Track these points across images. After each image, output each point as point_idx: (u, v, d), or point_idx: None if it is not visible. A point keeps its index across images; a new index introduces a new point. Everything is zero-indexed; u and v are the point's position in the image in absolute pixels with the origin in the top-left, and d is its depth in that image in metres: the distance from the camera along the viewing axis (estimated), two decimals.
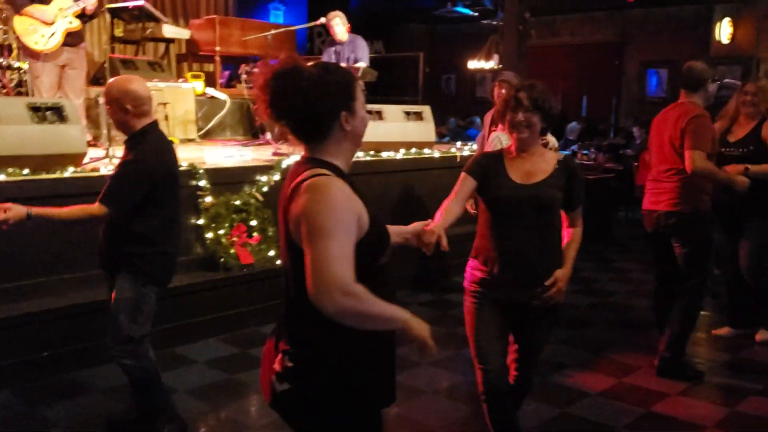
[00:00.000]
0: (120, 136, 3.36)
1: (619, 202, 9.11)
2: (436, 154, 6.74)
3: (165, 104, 6.74)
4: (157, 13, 8.27)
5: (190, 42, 9.07)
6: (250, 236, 5.14)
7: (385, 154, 6.35)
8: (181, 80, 7.81)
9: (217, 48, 8.57)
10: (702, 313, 4.69)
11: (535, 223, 2.82)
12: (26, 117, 4.43)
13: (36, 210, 2.90)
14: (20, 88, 6.80)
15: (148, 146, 3.14)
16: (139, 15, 8.16)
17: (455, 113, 12.79)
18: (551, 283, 2.82)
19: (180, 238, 3.47)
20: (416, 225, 2.43)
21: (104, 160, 5.08)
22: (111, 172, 3.27)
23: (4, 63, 6.88)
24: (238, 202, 5.13)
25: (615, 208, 9.09)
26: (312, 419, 1.93)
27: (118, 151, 3.98)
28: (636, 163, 8.92)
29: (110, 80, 3.26)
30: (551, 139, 4.60)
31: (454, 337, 4.67)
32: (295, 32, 9.51)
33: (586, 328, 5.21)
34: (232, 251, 4.99)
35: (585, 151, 9.53)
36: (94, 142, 6.08)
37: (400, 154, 6.44)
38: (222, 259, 4.94)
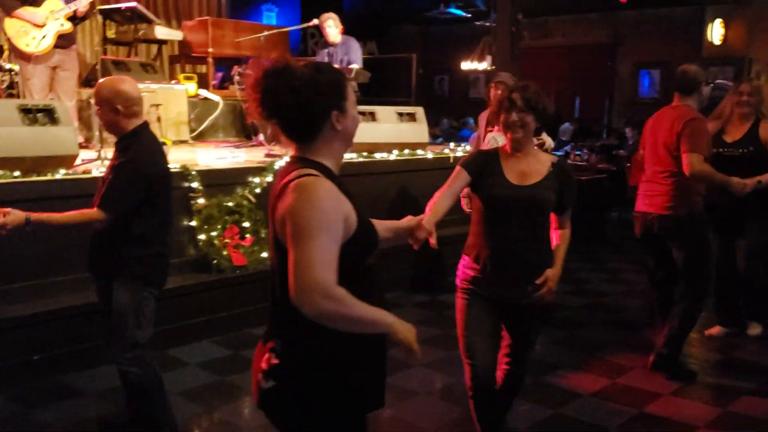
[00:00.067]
0: (112, 138, 3.34)
1: (612, 202, 9.12)
2: (430, 155, 6.74)
3: (157, 106, 6.69)
4: (150, 15, 8.24)
5: (182, 43, 9.03)
6: (242, 238, 5.13)
7: (378, 155, 6.34)
8: (173, 82, 7.77)
9: (210, 49, 8.55)
10: None
11: (527, 224, 2.86)
12: (17, 119, 4.40)
13: (35, 215, 2.89)
14: (11, 90, 6.75)
15: (142, 147, 3.12)
16: (132, 16, 8.11)
17: (448, 114, 12.82)
18: (542, 282, 2.86)
19: (172, 239, 3.46)
20: (409, 221, 2.43)
21: (96, 162, 5.06)
22: (103, 175, 3.24)
23: None
24: (230, 204, 5.12)
25: (608, 209, 9.11)
26: (296, 418, 1.90)
27: (110, 153, 3.96)
28: (628, 164, 8.94)
29: (101, 81, 3.23)
30: (547, 139, 4.61)
31: (448, 339, 4.66)
32: (288, 33, 9.48)
33: (579, 328, 5.22)
34: (225, 253, 4.98)
35: (578, 152, 9.56)
36: (85, 144, 6.07)
37: (394, 155, 6.44)
38: (215, 261, 4.93)
